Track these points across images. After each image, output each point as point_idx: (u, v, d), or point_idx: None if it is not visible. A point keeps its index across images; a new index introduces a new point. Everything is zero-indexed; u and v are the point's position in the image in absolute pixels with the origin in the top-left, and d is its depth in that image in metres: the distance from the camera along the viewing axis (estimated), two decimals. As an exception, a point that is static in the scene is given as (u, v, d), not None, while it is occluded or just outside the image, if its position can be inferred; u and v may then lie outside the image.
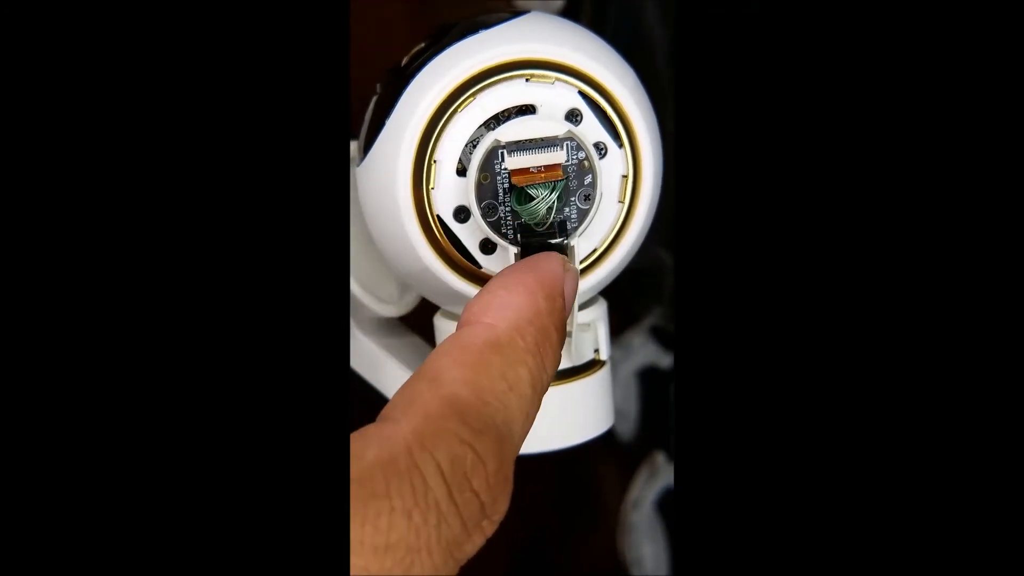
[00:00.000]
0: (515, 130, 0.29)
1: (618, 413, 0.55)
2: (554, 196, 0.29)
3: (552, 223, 0.29)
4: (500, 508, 0.23)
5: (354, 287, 0.37)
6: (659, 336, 0.54)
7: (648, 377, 0.55)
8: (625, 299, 0.36)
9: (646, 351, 0.54)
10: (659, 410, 0.55)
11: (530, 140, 0.29)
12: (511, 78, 0.29)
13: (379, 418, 0.23)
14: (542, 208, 0.29)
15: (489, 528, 0.23)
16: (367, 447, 0.21)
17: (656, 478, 0.54)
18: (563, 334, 0.26)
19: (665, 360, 0.54)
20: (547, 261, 0.26)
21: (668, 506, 0.54)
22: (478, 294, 0.25)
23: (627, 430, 0.55)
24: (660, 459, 0.54)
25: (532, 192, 0.29)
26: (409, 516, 0.21)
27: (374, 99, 0.32)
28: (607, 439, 0.55)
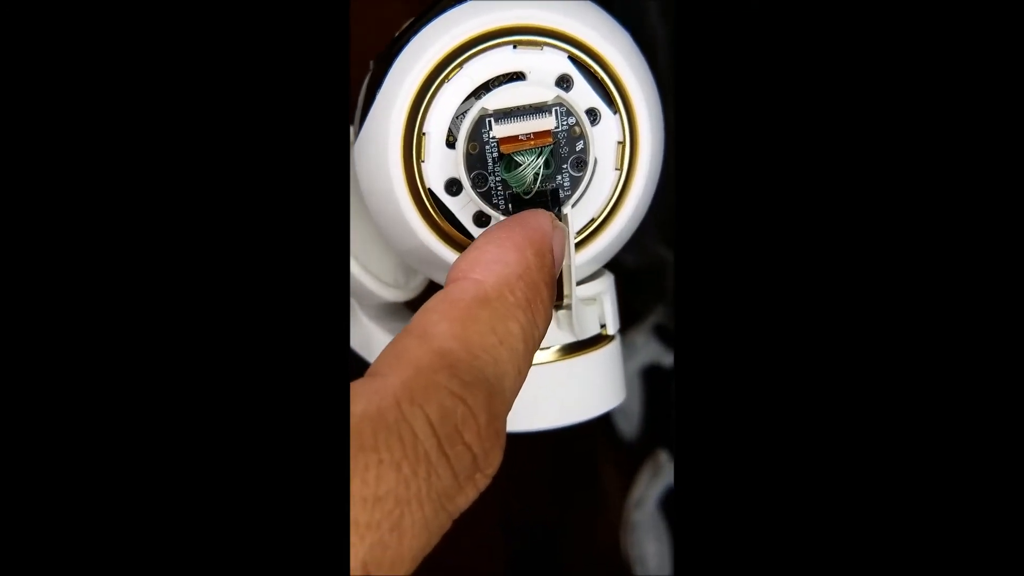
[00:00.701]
0: (502, 98, 0.28)
1: (621, 412, 0.55)
2: (540, 161, 0.28)
3: (543, 191, 0.29)
4: (493, 461, 0.22)
5: (360, 273, 0.37)
6: (662, 334, 0.54)
7: (651, 376, 0.54)
8: (628, 298, 0.36)
9: (649, 350, 0.54)
10: (662, 409, 0.54)
11: (518, 107, 0.28)
12: (498, 45, 0.29)
13: (367, 373, 0.22)
14: (529, 174, 0.28)
15: (482, 481, 0.22)
16: (355, 401, 0.21)
17: (659, 477, 0.54)
18: (553, 290, 0.25)
19: (668, 359, 0.54)
20: (535, 217, 0.26)
21: (671, 505, 0.54)
22: (466, 251, 0.25)
23: (630, 429, 0.55)
24: (663, 458, 0.54)
25: (519, 159, 0.28)
26: (398, 468, 0.20)
27: (367, 77, 0.32)
28: (610, 438, 0.54)
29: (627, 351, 0.53)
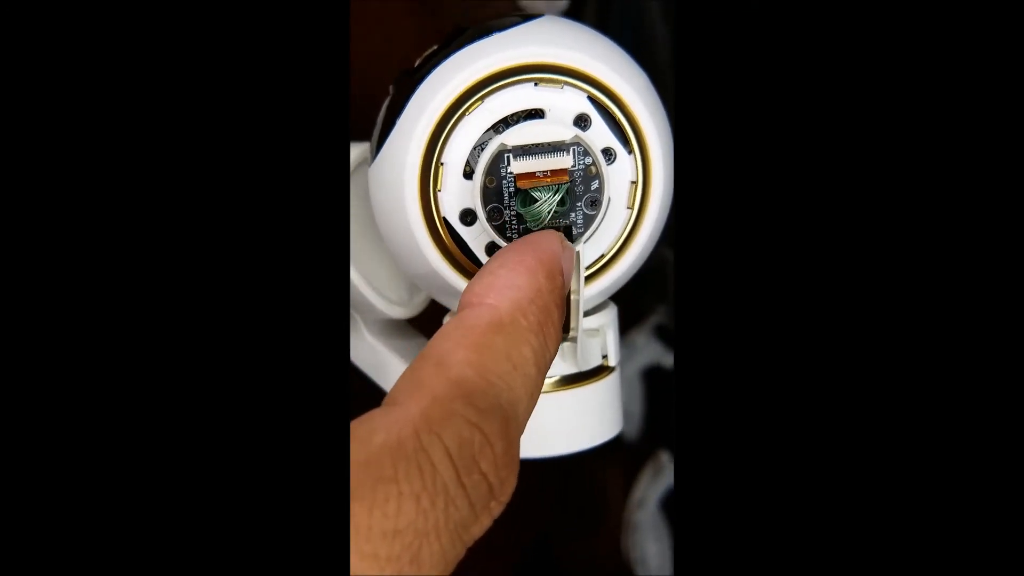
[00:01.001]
0: (522, 134, 0.29)
1: (623, 413, 0.55)
2: (556, 197, 0.29)
3: (557, 227, 0.29)
4: (507, 489, 0.22)
5: (364, 288, 0.37)
6: (663, 335, 0.54)
7: (652, 376, 0.55)
8: (630, 298, 0.36)
9: (650, 350, 0.54)
10: (663, 409, 0.55)
11: (537, 144, 0.29)
12: (520, 82, 0.29)
13: (385, 402, 0.22)
14: (545, 209, 0.29)
15: (497, 509, 0.22)
16: (374, 431, 0.21)
17: (660, 477, 0.54)
18: (563, 312, 0.26)
19: (669, 359, 0.54)
20: (545, 239, 0.26)
21: (672, 505, 0.54)
22: (478, 274, 0.25)
23: (631, 430, 0.55)
24: (664, 458, 0.54)
25: (536, 195, 0.29)
26: (417, 500, 0.21)
27: (387, 101, 0.32)
28: (611, 438, 0.55)
29: (628, 351, 0.54)
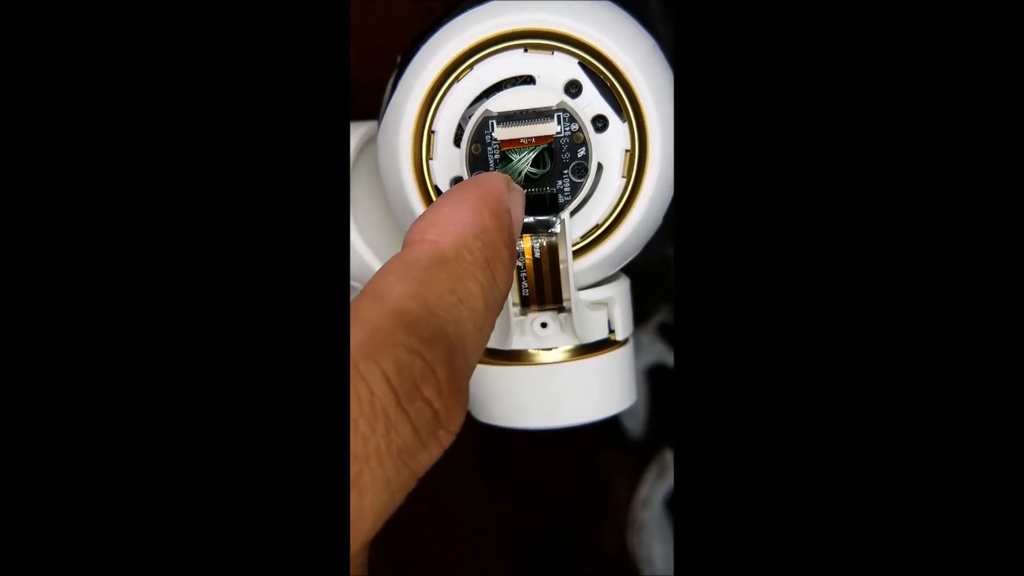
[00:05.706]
0: (506, 101, 0.29)
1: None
2: (531, 156, 0.29)
3: (543, 195, 0.29)
4: (455, 419, 0.22)
5: (372, 261, 0.37)
6: (667, 334, 0.54)
7: (656, 375, 0.54)
8: (633, 297, 0.36)
9: (654, 349, 0.54)
10: (668, 409, 0.54)
11: (521, 111, 0.29)
12: (508, 48, 0.29)
13: None
14: (516, 168, 0.29)
15: (445, 439, 0.22)
16: None
17: (665, 476, 0.54)
18: (514, 252, 0.25)
19: (673, 358, 0.54)
20: (490, 179, 0.25)
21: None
22: (422, 214, 0.25)
23: (636, 428, 0.55)
24: (669, 457, 0.54)
25: (511, 156, 0.29)
26: (355, 425, 0.20)
27: (395, 72, 0.32)
28: (616, 437, 0.55)
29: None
